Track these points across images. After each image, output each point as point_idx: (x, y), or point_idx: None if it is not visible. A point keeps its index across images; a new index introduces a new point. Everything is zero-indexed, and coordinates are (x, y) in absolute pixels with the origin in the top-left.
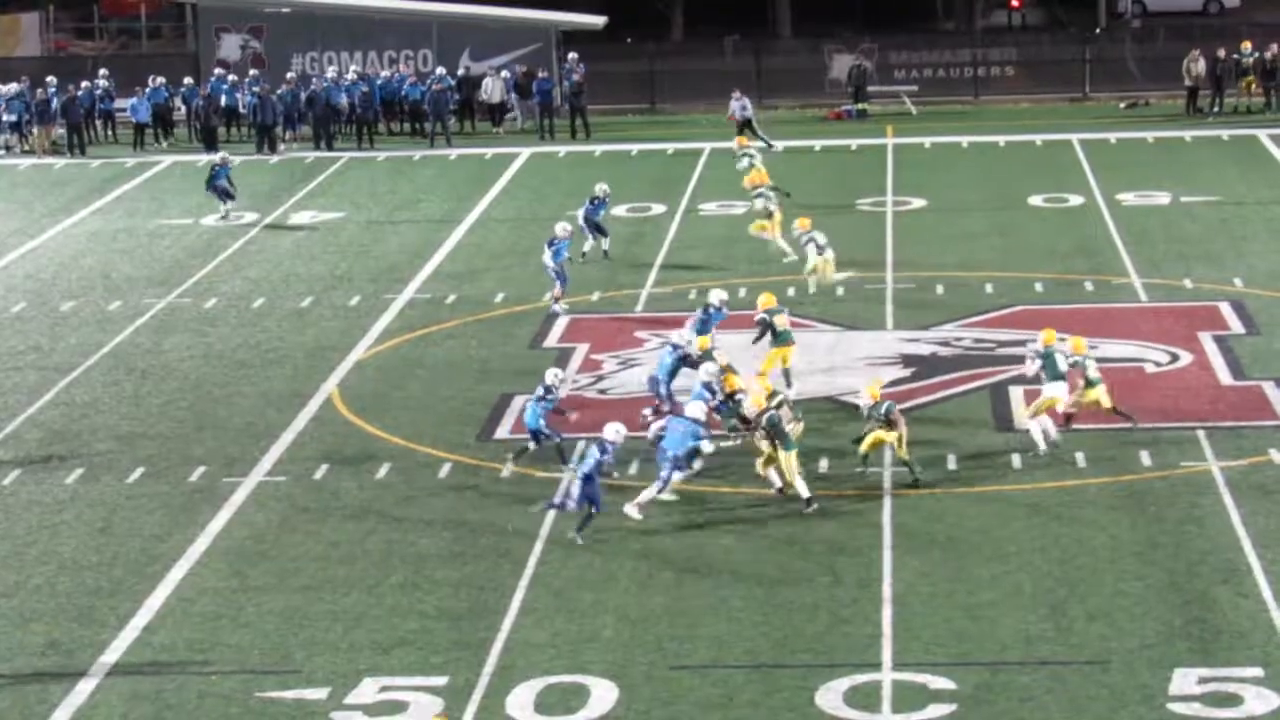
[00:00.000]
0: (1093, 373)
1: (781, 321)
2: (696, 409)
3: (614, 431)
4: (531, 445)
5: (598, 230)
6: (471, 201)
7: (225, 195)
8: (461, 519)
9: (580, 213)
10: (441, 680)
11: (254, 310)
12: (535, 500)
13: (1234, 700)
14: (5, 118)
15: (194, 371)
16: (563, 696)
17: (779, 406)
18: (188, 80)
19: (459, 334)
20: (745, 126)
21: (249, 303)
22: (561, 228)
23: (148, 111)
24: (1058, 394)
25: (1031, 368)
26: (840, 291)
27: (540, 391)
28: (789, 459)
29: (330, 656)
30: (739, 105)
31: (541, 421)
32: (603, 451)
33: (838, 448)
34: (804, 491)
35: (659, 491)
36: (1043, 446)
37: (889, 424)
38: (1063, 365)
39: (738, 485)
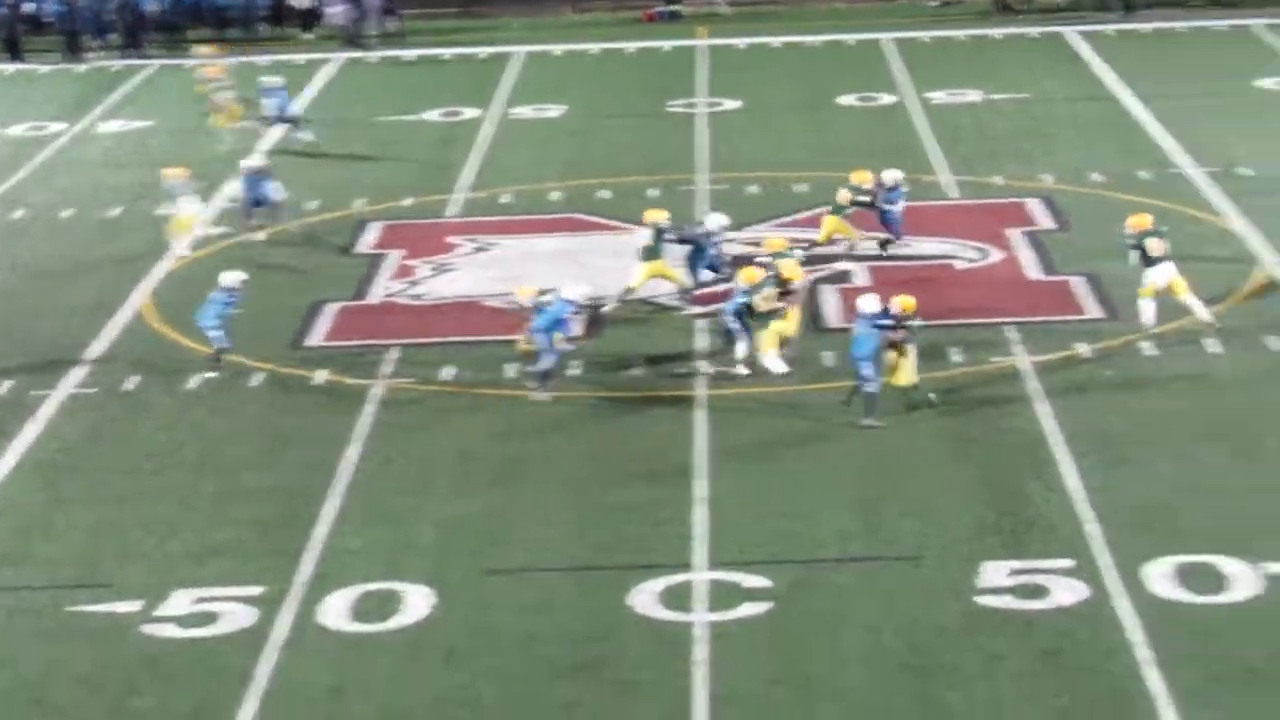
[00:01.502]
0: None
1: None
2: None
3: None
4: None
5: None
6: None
7: None
8: (274, 428)
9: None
10: (256, 589)
11: (63, 221)
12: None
13: (1042, 591)
14: None
15: (1, 284)
16: (379, 603)
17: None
18: None
19: (270, 241)
20: None
21: (57, 213)
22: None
23: None
24: (1162, 277)
25: (1131, 259)
26: (654, 193)
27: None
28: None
29: (142, 568)
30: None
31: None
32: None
33: (651, 350)
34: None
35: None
36: (1146, 321)
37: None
38: (1160, 249)
39: (552, 389)
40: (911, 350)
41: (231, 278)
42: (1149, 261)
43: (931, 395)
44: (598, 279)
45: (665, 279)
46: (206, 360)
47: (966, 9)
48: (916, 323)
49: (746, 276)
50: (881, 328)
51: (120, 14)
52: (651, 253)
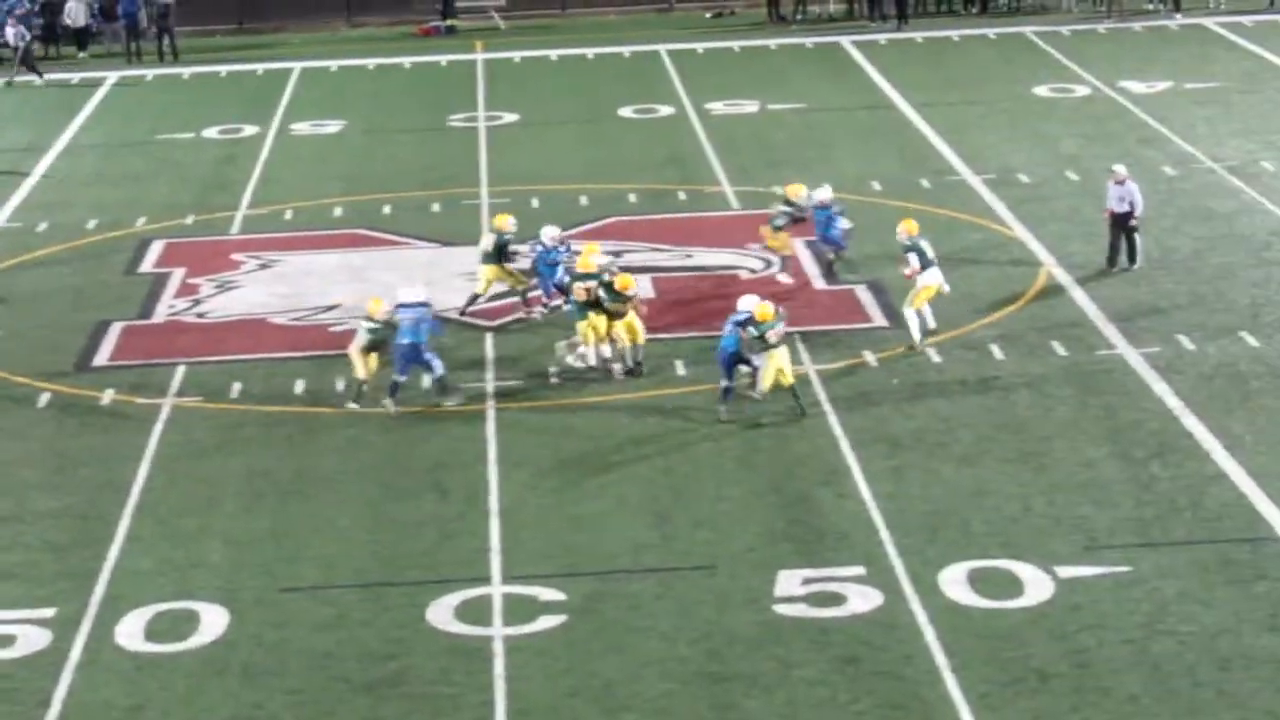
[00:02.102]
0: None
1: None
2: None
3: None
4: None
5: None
6: (59, 128)
7: None
8: (62, 449)
9: None
10: (49, 612)
11: None
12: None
13: (837, 599)
14: None
15: None
16: (173, 623)
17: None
18: None
19: (51, 261)
20: None
21: None
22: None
23: None
24: (934, 281)
25: (913, 263)
26: (436, 208)
27: None
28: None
29: None
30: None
31: None
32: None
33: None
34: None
35: None
36: (918, 337)
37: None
38: (931, 252)
39: (340, 406)
40: (780, 352)
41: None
42: (925, 264)
43: (799, 404)
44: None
45: (506, 281)
46: None
47: (741, 20)
48: (770, 327)
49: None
50: (740, 324)
51: None
52: (492, 257)
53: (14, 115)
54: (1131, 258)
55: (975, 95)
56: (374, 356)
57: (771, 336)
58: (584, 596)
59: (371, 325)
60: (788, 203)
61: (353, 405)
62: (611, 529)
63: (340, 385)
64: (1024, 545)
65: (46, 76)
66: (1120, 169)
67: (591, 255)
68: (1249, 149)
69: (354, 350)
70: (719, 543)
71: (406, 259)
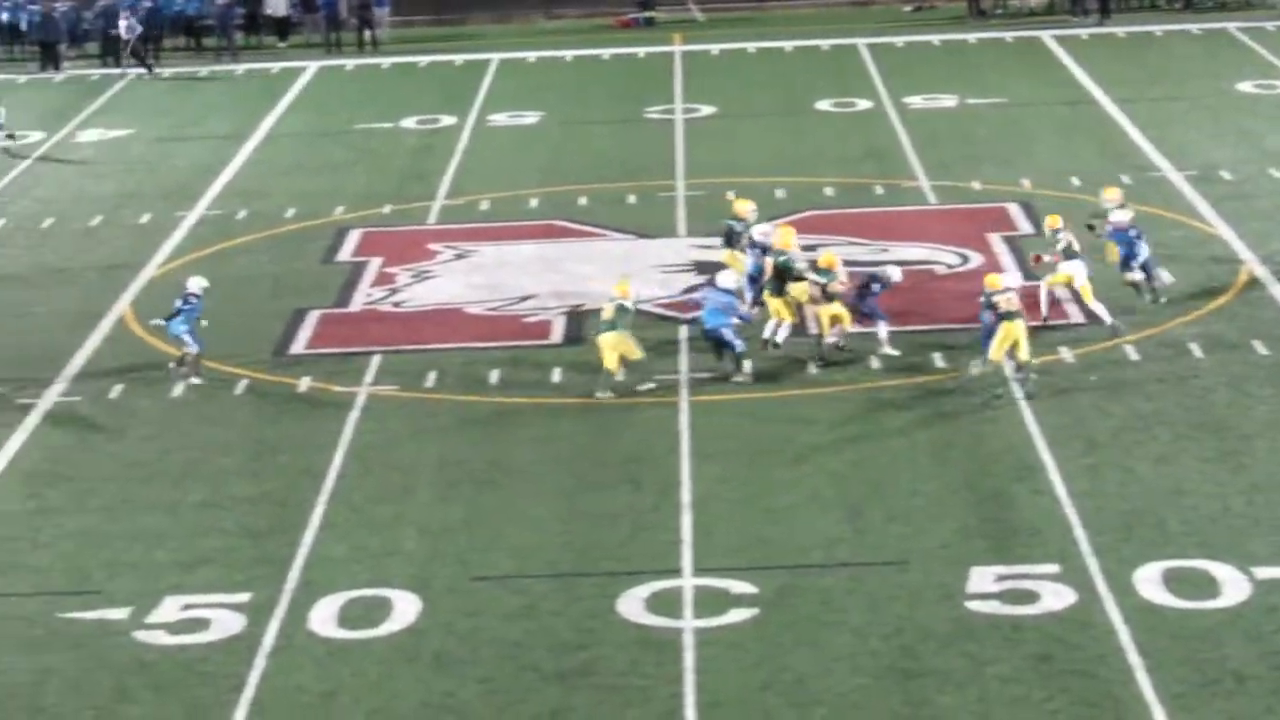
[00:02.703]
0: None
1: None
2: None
3: None
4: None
5: None
6: (259, 117)
7: None
8: (259, 436)
9: None
10: (244, 597)
11: (43, 230)
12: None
13: (1031, 597)
14: None
15: None
16: (366, 610)
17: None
18: None
19: (251, 250)
20: None
21: (38, 223)
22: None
23: None
24: (1073, 271)
25: (1056, 245)
26: (632, 200)
27: (178, 303)
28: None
29: (131, 576)
30: None
31: (182, 329)
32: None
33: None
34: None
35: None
36: (1108, 319)
37: None
38: (1076, 245)
39: (535, 396)
40: (1016, 324)
41: (196, 283)
42: (1069, 255)
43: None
44: (578, 285)
45: (734, 267)
46: (173, 365)
47: (941, 14)
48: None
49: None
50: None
51: (98, 24)
52: (726, 243)
53: (215, 104)
54: None
55: (1177, 91)
56: (625, 342)
57: (1001, 303)
58: (775, 590)
59: (622, 304)
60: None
61: (601, 394)
62: (804, 522)
63: (537, 375)
64: (1221, 545)
65: (247, 66)
66: None
67: (790, 235)
68: None
69: (604, 341)
70: (912, 538)
71: (602, 251)
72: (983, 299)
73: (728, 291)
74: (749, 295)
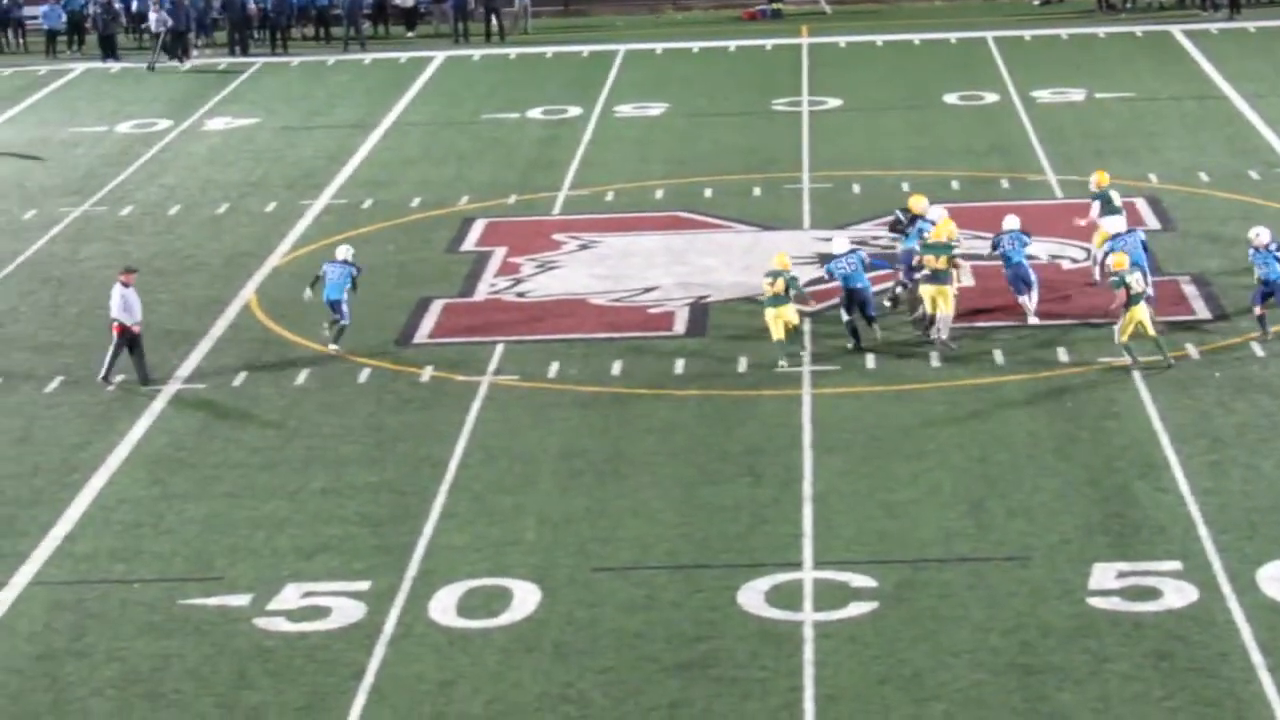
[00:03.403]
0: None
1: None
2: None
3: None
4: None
5: None
6: (386, 106)
7: None
8: (381, 424)
9: None
10: (364, 585)
11: (170, 217)
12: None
13: (1153, 594)
14: None
15: (111, 280)
16: (485, 600)
17: None
18: None
19: (376, 239)
20: None
21: (165, 210)
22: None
23: (59, 18)
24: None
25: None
26: (757, 192)
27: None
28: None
29: (253, 563)
30: None
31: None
32: None
33: (755, 347)
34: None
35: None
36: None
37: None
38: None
39: (657, 387)
40: (1141, 307)
41: (345, 250)
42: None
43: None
44: (702, 276)
45: None
46: (326, 335)
47: (1070, 7)
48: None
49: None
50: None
51: (226, 11)
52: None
53: (343, 93)
54: None
55: None
56: (788, 312)
57: (1132, 284)
58: (895, 584)
59: (786, 276)
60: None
61: (783, 364)
62: (924, 516)
63: (660, 366)
64: None
65: (374, 56)
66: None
67: (947, 226)
68: None
69: (770, 314)
70: (1033, 533)
71: (727, 242)
72: (1114, 278)
73: (854, 251)
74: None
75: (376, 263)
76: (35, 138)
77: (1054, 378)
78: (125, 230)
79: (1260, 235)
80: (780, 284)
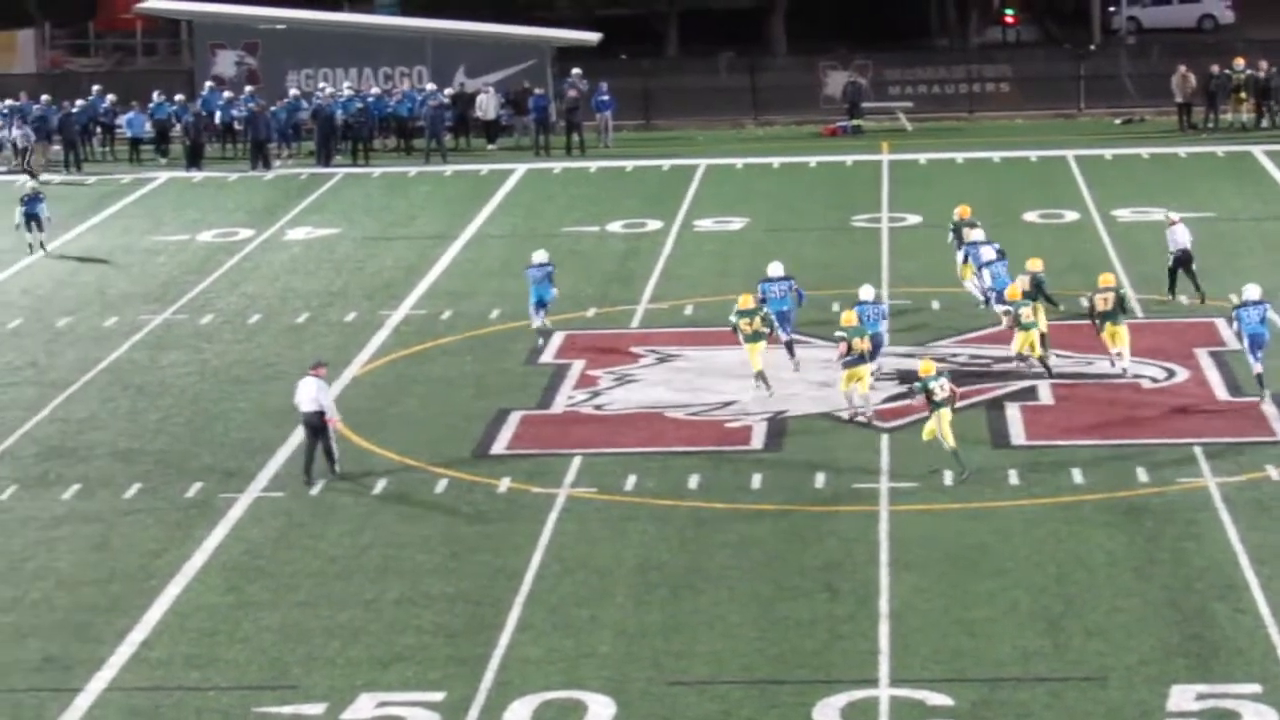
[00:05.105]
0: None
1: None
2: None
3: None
4: None
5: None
6: (467, 218)
7: (35, 222)
8: (458, 535)
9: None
10: (439, 696)
11: (250, 326)
12: None
13: (1232, 717)
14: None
15: (190, 387)
16: (560, 712)
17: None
18: (179, 97)
19: (454, 350)
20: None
21: (245, 319)
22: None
23: (143, 126)
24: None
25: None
26: (836, 307)
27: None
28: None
29: (328, 672)
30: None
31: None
32: None
33: (833, 463)
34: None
35: None
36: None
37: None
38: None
39: (734, 502)
40: (944, 412)
41: (541, 254)
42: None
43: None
44: (781, 391)
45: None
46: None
47: (1151, 126)
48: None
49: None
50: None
51: (316, 122)
52: (1031, 296)
53: (424, 205)
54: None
55: None
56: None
57: (936, 391)
58: (972, 703)
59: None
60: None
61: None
62: (1002, 635)
63: (737, 481)
64: None
65: (455, 167)
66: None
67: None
68: None
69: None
70: (1111, 654)
71: (805, 357)
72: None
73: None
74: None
75: (454, 374)
76: (118, 245)
77: (1133, 497)
78: (205, 338)
79: None
80: (758, 321)
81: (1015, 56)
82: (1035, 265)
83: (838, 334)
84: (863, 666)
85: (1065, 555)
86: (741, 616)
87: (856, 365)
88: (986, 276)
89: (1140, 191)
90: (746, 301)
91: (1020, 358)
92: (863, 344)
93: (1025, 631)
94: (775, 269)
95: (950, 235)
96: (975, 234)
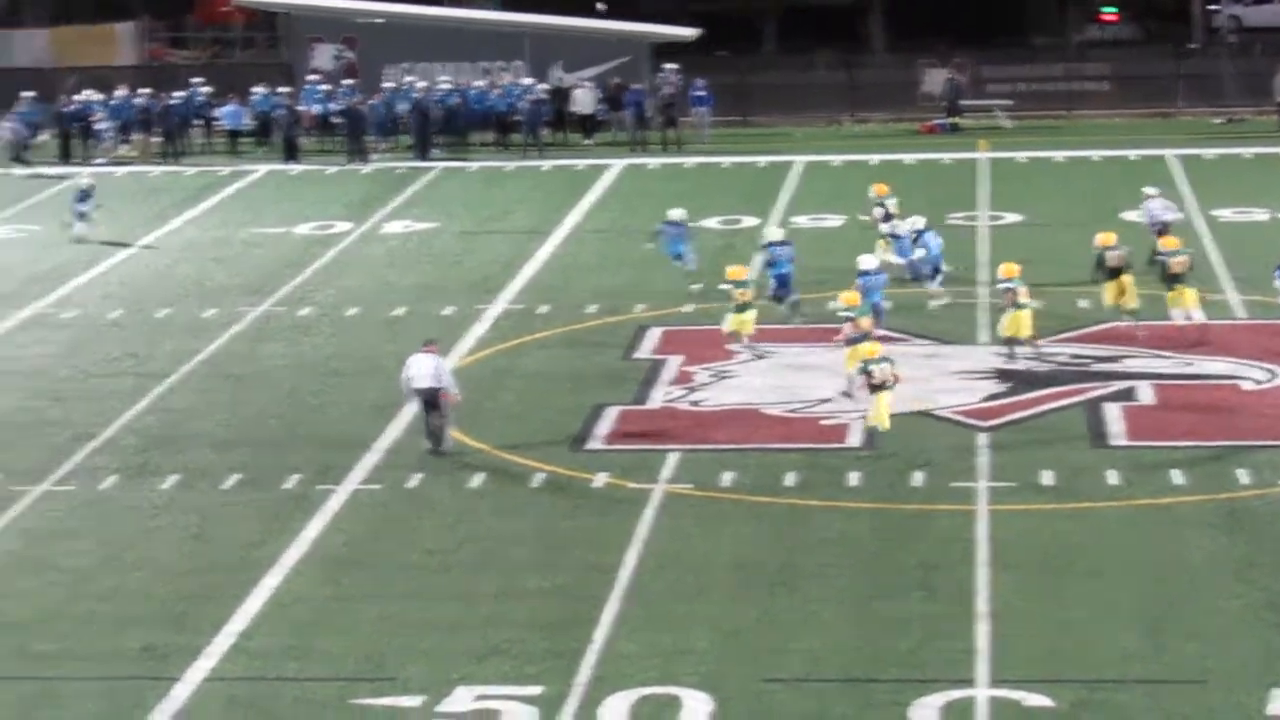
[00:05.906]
0: (1022, 298)
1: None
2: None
3: None
4: None
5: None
6: (563, 213)
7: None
8: (554, 529)
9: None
10: (535, 690)
11: (348, 319)
12: None
13: None
14: (102, 125)
15: (288, 379)
16: (656, 708)
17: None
18: (282, 89)
19: (551, 344)
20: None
21: (343, 311)
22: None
23: (241, 118)
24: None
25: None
26: (932, 305)
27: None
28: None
29: (425, 664)
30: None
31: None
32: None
33: (930, 462)
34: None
35: None
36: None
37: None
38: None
39: (830, 499)
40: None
41: (678, 212)
42: None
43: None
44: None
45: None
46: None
47: (1252, 126)
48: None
49: None
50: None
51: (414, 116)
52: (1104, 274)
53: (521, 199)
54: None
55: None
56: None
57: (876, 374)
58: (1070, 704)
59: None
60: None
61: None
62: (1100, 636)
63: (832, 478)
64: None
65: (552, 162)
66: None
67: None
68: None
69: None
70: (1211, 656)
71: (902, 355)
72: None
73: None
74: None
75: (551, 369)
76: (218, 237)
77: (1234, 499)
78: (303, 331)
79: None
80: (749, 292)
81: (1114, 54)
82: (1108, 239)
83: (842, 312)
84: (959, 666)
85: (1165, 556)
86: (837, 614)
87: (860, 344)
88: (920, 251)
89: (1242, 191)
90: (740, 273)
91: (1014, 342)
92: (868, 323)
93: (1124, 633)
94: (868, 261)
95: (876, 209)
96: (893, 205)
